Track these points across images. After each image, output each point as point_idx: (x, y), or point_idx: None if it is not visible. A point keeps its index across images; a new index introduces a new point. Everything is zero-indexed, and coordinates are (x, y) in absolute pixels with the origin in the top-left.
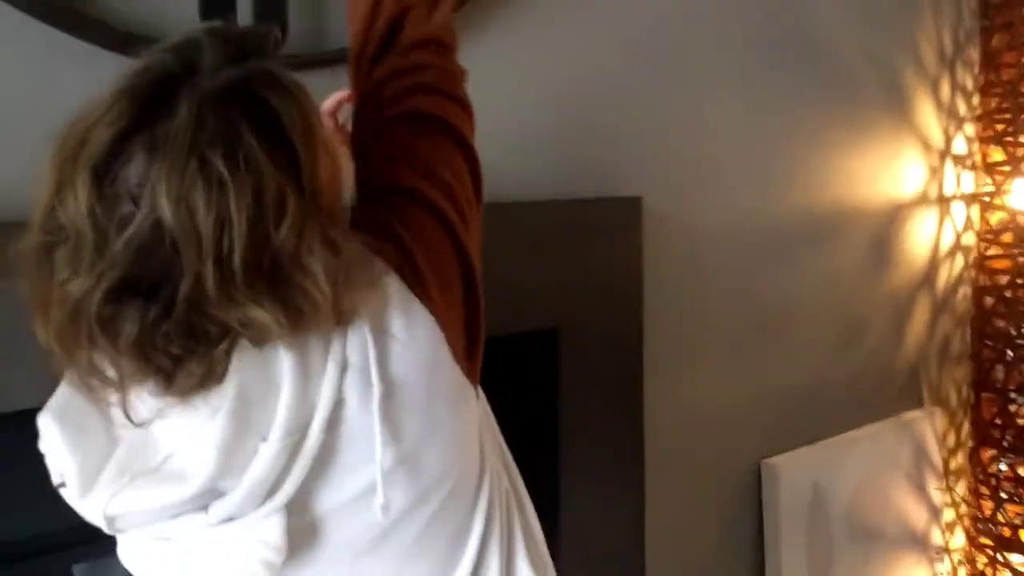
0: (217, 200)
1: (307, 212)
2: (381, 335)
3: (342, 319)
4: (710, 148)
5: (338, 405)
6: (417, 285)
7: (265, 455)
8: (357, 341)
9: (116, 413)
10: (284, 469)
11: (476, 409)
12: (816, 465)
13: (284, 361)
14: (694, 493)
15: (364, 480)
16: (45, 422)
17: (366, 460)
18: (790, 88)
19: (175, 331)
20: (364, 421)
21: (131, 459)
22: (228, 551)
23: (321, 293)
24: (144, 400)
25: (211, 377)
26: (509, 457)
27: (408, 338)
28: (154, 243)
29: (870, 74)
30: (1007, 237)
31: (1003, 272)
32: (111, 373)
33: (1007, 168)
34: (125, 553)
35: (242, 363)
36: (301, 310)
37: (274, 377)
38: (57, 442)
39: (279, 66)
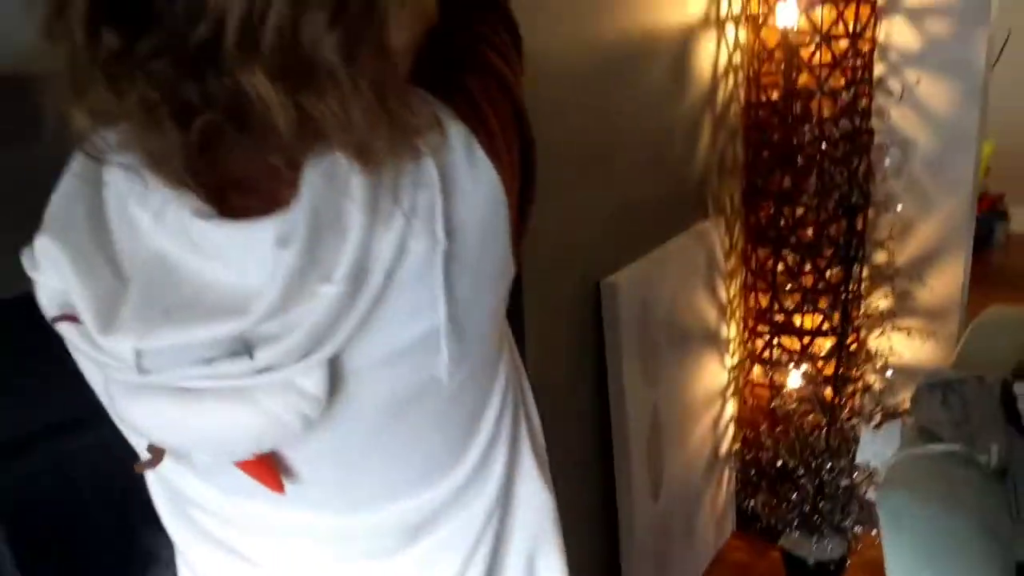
0: None
1: (364, 39)
2: (449, 184)
3: (375, 159)
4: None
5: (401, 252)
6: (486, 140)
7: (326, 298)
8: (426, 186)
9: (120, 240)
10: (339, 316)
11: (510, 285)
12: (641, 279)
13: (356, 197)
14: (547, 314)
15: (405, 336)
16: (45, 245)
17: (411, 315)
18: None
19: (184, 72)
20: (420, 273)
21: (155, 291)
22: (262, 403)
23: (349, 122)
24: (168, 223)
25: (279, 192)
26: (514, 343)
27: (473, 192)
28: None
29: None
30: (778, 55)
31: (773, 87)
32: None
33: None
34: (131, 414)
35: (313, 191)
36: (319, 127)
37: (344, 213)
38: (65, 268)
39: None
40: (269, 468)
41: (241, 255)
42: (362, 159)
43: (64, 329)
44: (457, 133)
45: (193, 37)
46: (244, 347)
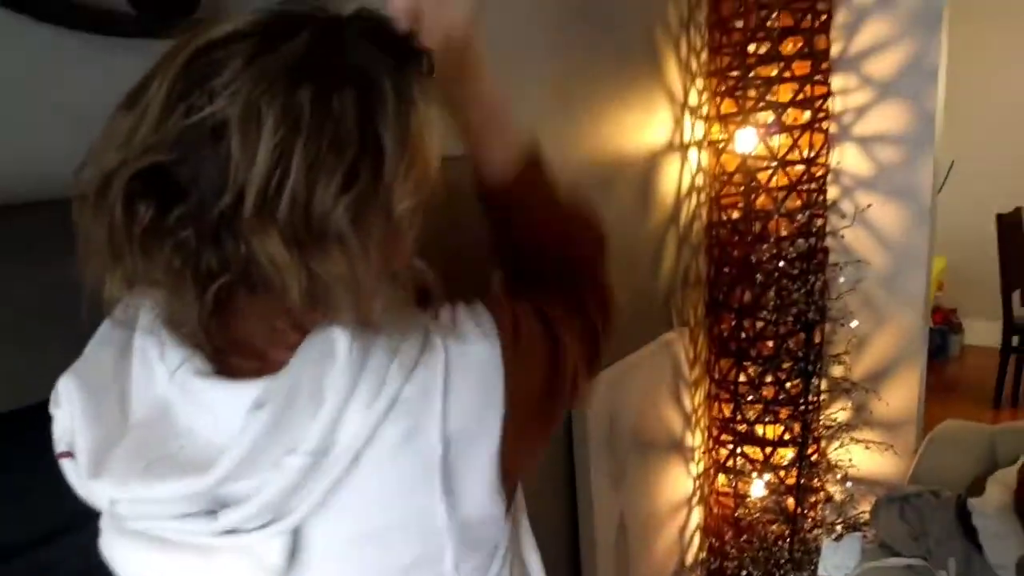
0: (286, 131)
1: (372, 206)
2: (451, 390)
3: (373, 326)
4: (528, 113)
5: (371, 437)
6: (513, 373)
7: (289, 469)
8: (425, 381)
9: (136, 386)
10: (300, 488)
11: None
12: (610, 387)
13: (340, 374)
14: None
15: (374, 521)
16: (66, 384)
17: (380, 501)
18: (585, 59)
19: (205, 240)
20: (392, 461)
21: (149, 441)
22: (222, 565)
23: (355, 283)
24: (177, 379)
25: (273, 357)
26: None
27: (475, 417)
28: (208, 142)
29: (637, 41)
30: (738, 178)
31: (733, 207)
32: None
33: (739, 118)
34: (111, 550)
35: (303, 361)
36: (326, 288)
37: (325, 388)
38: (76, 408)
39: (420, 77)
40: None
41: (221, 413)
42: (362, 325)
43: (64, 464)
44: (488, 346)
45: (216, 208)
46: (217, 506)
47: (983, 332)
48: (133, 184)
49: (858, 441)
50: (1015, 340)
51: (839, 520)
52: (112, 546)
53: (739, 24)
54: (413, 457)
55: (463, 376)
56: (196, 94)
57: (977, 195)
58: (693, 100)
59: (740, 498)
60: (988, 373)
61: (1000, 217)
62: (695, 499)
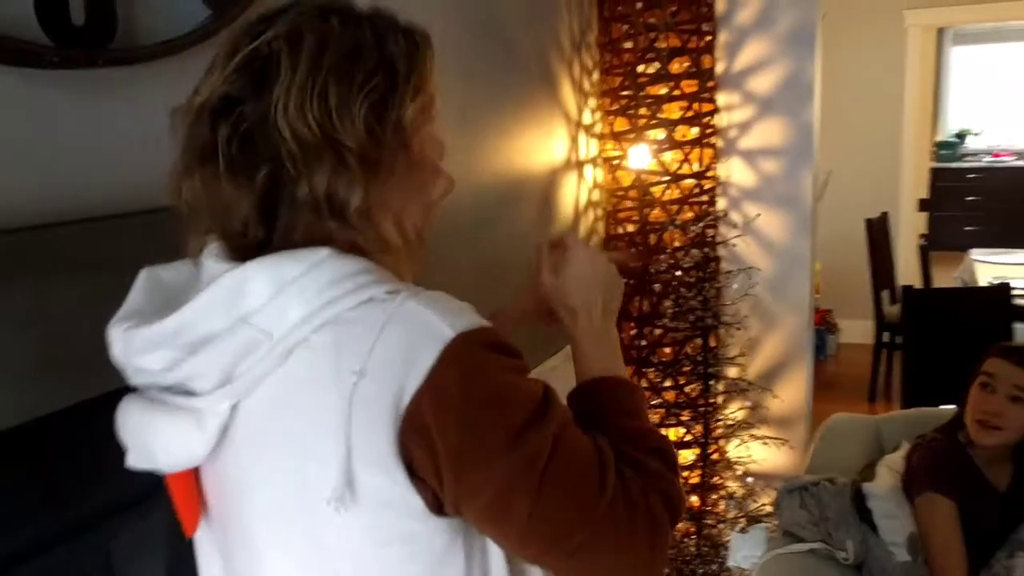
0: (318, 46)
1: (387, 107)
2: (385, 333)
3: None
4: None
5: (303, 340)
6: (451, 368)
7: (243, 335)
8: (367, 313)
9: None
10: (246, 357)
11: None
12: None
13: (297, 273)
14: None
15: (283, 423)
16: (142, 273)
17: (288, 406)
18: (488, 84)
19: (256, 131)
20: (314, 370)
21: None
22: (177, 432)
23: (363, 191)
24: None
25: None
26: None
27: (392, 366)
28: (264, 62)
29: (534, 63)
30: (633, 193)
31: (629, 221)
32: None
33: (632, 135)
34: (119, 411)
35: (285, 254)
36: (348, 187)
37: (282, 278)
38: (137, 286)
39: (425, 49)
40: (191, 498)
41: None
42: (336, 220)
43: None
44: (433, 321)
45: (267, 105)
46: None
47: (857, 330)
48: (217, 105)
49: (756, 438)
50: (886, 336)
51: (741, 514)
52: (121, 407)
53: (629, 45)
54: (333, 374)
55: (399, 325)
56: (252, 35)
57: (847, 202)
58: (587, 119)
59: None
60: (863, 369)
61: (869, 222)
62: None
